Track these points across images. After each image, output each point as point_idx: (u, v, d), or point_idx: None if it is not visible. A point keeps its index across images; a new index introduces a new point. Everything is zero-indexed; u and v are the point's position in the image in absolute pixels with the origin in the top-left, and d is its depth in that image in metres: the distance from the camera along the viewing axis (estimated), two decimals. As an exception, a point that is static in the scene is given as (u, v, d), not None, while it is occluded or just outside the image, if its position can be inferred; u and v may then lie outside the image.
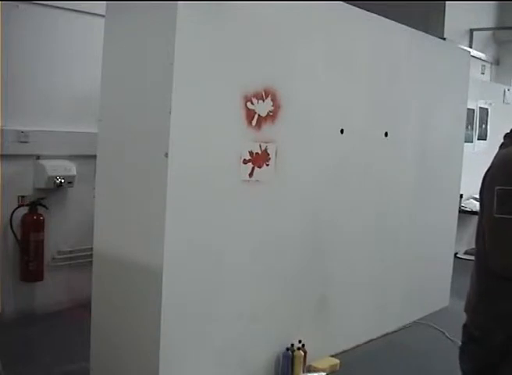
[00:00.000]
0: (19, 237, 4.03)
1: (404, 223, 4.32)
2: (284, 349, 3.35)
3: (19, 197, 4.03)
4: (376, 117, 3.93)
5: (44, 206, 4.12)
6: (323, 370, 3.47)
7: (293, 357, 3.35)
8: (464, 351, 2.02)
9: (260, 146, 3.11)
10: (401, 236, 4.31)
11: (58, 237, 4.25)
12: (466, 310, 2.01)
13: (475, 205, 6.26)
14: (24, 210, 4.06)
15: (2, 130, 3.85)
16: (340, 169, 3.68)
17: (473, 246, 2.10)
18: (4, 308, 3.83)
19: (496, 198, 1.83)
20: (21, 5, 3.91)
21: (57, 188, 4.16)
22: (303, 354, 3.38)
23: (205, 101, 2.83)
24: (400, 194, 4.26)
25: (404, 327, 4.36)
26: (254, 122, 3.06)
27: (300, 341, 3.40)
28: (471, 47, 7.27)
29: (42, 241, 4.09)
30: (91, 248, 3.12)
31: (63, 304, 4.20)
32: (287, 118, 3.23)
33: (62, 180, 4.14)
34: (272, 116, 3.15)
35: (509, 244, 1.80)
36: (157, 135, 2.72)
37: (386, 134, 4.01)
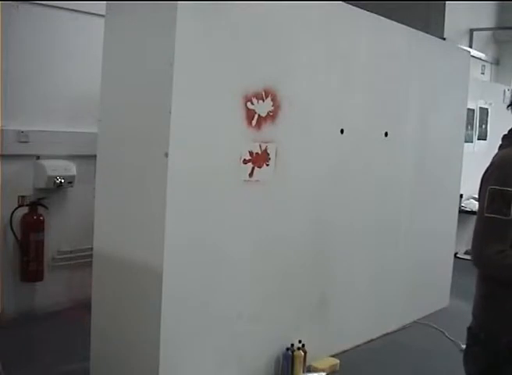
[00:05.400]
0: (19, 237, 4.03)
1: (404, 222, 4.32)
2: (284, 349, 3.35)
3: (19, 197, 4.03)
4: (376, 117, 3.93)
5: (44, 206, 4.12)
6: (323, 370, 3.47)
7: (293, 357, 3.35)
8: (468, 353, 2.02)
9: (260, 146, 3.11)
10: (401, 236, 4.31)
11: (58, 237, 4.25)
12: (473, 313, 2.01)
13: (475, 205, 6.23)
14: (24, 210, 4.05)
15: (2, 130, 3.85)
16: (340, 169, 3.68)
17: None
18: (4, 308, 3.83)
19: (487, 197, 1.85)
20: (21, 5, 3.91)
21: (57, 188, 4.15)
22: (303, 354, 3.38)
23: (205, 101, 2.83)
24: (400, 195, 4.26)
25: (404, 327, 4.36)
26: (254, 122, 3.06)
27: (300, 341, 3.40)
28: (471, 47, 7.27)
29: (42, 241, 4.08)
30: (91, 248, 3.13)
31: (63, 304, 4.20)
32: (287, 118, 3.23)
33: (62, 180, 4.13)
34: (271, 116, 3.15)
35: (488, 239, 1.83)
36: (157, 135, 2.73)
37: (386, 134, 4.01)
